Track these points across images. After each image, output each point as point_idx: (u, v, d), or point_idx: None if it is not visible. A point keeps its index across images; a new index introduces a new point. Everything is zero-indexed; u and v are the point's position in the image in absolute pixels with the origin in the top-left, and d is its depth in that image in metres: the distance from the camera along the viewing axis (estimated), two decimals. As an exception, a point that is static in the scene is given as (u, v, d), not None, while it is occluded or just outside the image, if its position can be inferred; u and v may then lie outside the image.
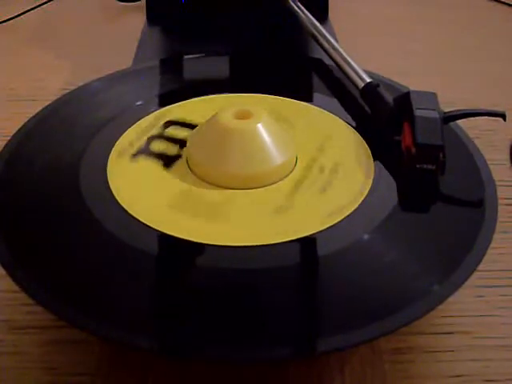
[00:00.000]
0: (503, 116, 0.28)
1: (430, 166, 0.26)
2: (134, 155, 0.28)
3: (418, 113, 0.27)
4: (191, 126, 0.29)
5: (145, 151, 0.28)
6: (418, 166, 0.26)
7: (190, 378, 0.23)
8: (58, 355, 0.23)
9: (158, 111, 0.31)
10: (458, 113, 0.28)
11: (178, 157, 0.28)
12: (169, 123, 0.30)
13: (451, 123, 0.29)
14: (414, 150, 0.26)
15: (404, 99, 0.28)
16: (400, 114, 0.28)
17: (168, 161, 0.27)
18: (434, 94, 0.28)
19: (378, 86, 0.31)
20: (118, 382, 0.23)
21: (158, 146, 0.28)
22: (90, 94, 0.33)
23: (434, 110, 0.27)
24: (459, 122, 0.29)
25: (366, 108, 0.31)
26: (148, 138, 0.29)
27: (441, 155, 0.26)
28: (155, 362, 0.23)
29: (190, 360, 0.22)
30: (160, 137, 0.29)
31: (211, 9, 0.44)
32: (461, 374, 0.23)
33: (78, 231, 0.24)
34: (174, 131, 0.29)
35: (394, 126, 0.29)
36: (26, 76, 0.41)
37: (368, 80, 0.31)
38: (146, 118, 0.30)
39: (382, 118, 0.30)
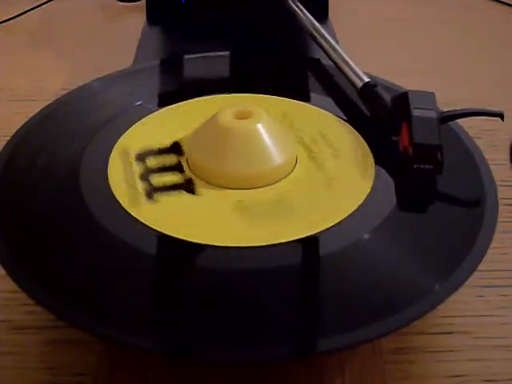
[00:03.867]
0: (501, 116, 0.28)
1: (427, 166, 0.26)
2: (149, 197, 0.26)
3: (415, 112, 0.27)
4: (163, 151, 0.28)
5: (154, 191, 0.26)
6: (415, 166, 0.26)
7: (189, 378, 0.23)
8: (57, 355, 0.23)
9: (157, 112, 0.31)
10: (456, 113, 0.28)
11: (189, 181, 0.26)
12: (141, 156, 0.28)
13: (451, 122, 0.29)
14: (411, 149, 0.26)
15: (402, 99, 0.28)
16: (398, 113, 0.28)
17: (186, 187, 0.26)
18: (432, 94, 0.28)
19: (375, 85, 0.31)
20: (118, 382, 0.23)
21: (159, 181, 0.26)
22: (90, 94, 0.33)
23: (431, 109, 0.27)
24: (459, 121, 0.29)
25: (366, 108, 0.31)
26: (142, 178, 0.26)
27: (438, 155, 0.26)
28: (155, 361, 0.23)
29: (190, 360, 0.22)
30: (151, 172, 0.27)
31: (211, 9, 0.44)
32: (461, 373, 0.23)
33: (77, 231, 0.24)
34: (156, 160, 0.28)
35: (392, 125, 0.29)
36: (26, 76, 0.41)
37: (366, 80, 0.31)
38: (149, 116, 0.30)
39: (380, 117, 0.30)
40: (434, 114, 0.27)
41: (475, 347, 0.24)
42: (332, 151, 0.28)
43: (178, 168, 0.27)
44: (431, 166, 0.26)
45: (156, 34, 0.43)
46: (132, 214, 0.25)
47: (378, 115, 0.30)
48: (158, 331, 0.21)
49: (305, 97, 0.32)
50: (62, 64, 0.43)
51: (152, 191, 0.26)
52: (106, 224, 0.24)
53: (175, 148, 0.28)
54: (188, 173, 0.27)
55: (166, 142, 0.28)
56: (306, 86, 0.34)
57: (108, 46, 0.45)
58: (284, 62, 0.36)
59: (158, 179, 0.26)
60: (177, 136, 0.29)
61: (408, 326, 0.21)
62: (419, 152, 0.26)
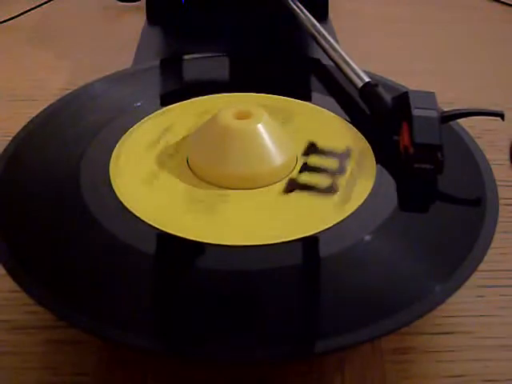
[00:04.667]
0: (502, 116, 0.28)
1: (428, 166, 0.26)
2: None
3: (416, 112, 0.27)
4: None
5: None
6: (416, 165, 0.26)
7: (190, 378, 0.23)
8: (57, 355, 0.23)
9: (158, 112, 0.31)
10: (457, 112, 0.28)
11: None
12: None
13: (452, 122, 0.29)
14: (411, 149, 0.26)
15: (402, 99, 0.28)
16: (398, 113, 0.28)
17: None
18: (432, 94, 0.28)
19: (376, 85, 0.31)
20: (117, 382, 0.23)
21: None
22: (90, 95, 0.33)
23: (432, 109, 0.27)
24: (460, 121, 0.29)
25: (366, 107, 0.31)
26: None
27: (439, 155, 0.26)
28: (155, 361, 0.23)
29: (190, 360, 0.22)
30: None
31: (211, 9, 0.44)
32: (461, 374, 0.23)
33: (78, 231, 0.24)
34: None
35: (392, 125, 0.29)
36: (26, 76, 0.41)
37: (367, 80, 0.31)
38: (149, 117, 0.30)
39: (381, 117, 0.30)
40: (434, 114, 0.27)
41: (475, 347, 0.24)
42: (333, 151, 0.28)
43: None
44: (432, 166, 0.26)
45: (156, 34, 0.43)
46: (133, 213, 0.25)
47: (379, 115, 0.30)
48: (158, 331, 0.21)
49: (305, 96, 0.32)
50: (62, 64, 0.43)
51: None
52: (106, 224, 0.24)
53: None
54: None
55: (167, 142, 0.29)
56: (307, 85, 0.34)
57: (108, 46, 0.45)
58: (284, 62, 0.36)
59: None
60: (177, 136, 0.29)
61: (408, 326, 0.21)
62: (420, 151, 0.26)
